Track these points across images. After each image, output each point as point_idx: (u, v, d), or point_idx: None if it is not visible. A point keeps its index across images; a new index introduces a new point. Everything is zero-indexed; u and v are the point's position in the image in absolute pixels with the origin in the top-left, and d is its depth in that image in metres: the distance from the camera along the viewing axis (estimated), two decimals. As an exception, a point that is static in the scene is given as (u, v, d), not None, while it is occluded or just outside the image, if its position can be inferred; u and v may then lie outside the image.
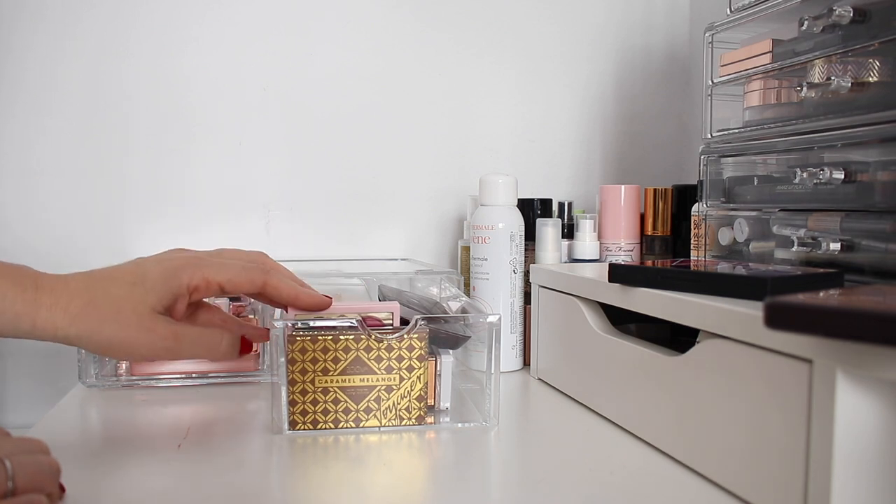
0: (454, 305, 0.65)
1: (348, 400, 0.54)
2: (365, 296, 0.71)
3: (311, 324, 0.53)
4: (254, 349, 0.53)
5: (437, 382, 0.58)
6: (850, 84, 0.50)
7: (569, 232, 0.83)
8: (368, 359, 0.54)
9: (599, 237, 0.81)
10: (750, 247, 0.60)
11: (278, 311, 0.59)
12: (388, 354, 0.54)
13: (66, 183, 0.85)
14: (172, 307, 0.49)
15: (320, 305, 0.53)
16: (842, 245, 0.51)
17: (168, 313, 0.48)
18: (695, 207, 0.68)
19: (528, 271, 0.75)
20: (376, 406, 0.55)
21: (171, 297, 0.48)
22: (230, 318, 0.56)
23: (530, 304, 0.73)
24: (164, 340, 0.47)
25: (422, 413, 0.56)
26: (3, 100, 0.82)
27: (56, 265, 0.83)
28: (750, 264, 0.56)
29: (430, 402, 0.57)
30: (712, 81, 0.65)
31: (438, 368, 0.57)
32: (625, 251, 0.80)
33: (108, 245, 0.86)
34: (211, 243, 0.87)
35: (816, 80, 0.53)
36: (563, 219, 0.84)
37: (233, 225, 0.89)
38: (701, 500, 0.43)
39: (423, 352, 0.55)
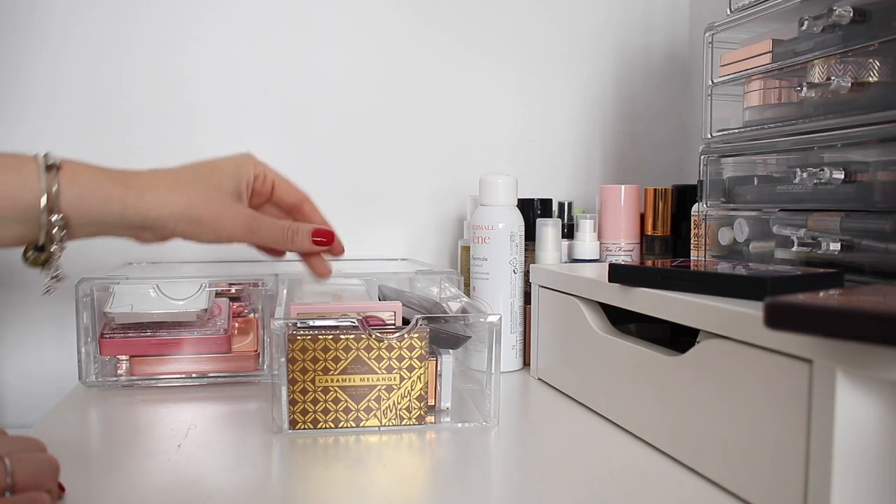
0: (454, 305, 0.65)
1: (349, 399, 0.54)
2: (365, 295, 0.71)
3: (312, 323, 0.53)
4: (332, 246, 0.54)
5: (438, 382, 0.58)
6: (850, 84, 0.50)
7: (569, 232, 0.83)
8: (369, 358, 0.54)
9: (599, 237, 0.81)
10: (750, 247, 0.60)
11: (278, 310, 0.59)
12: (388, 354, 0.55)
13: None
14: (241, 195, 0.52)
15: (336, 249, 0.55)
16: (842, 245, 0.51)
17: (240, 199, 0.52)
18: (695, 207, 0.68)
19: (528, 271, 0.75)
20: (376, 405, 0.55)
21: (243, 182, 0.52)
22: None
23: (530, 304, 0.73)
24: (247, 219, 0.50)
25: (422, 413, 0.56)
26: (6, 100, 0.82)
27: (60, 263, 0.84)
28: (750, 264, 0.56)
29: (431, 401, 0.58)
30: (712, 81, 0.65)
31: (439, 368, 0.57)
32: (625, 251, 0.80)
33: (108, 245, 0.86)
34: (211, 244, 0.88)
35: (816, 80, 0.53)
36: (563, 219, 0.84)
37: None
38: (701, 499, 0.43)
39: (423, 351, 0.55)
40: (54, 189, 0.42)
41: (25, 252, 0.44)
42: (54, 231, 0.43)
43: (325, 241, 0.54)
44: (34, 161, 0.43)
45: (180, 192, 0.48)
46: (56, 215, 0.43)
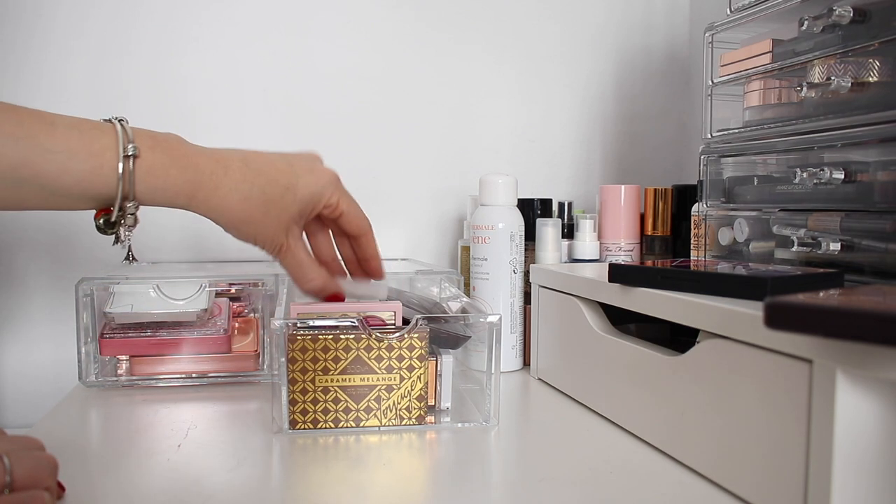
0: (454, 305, 0.65)
1: (349, 399, 0.54)
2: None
3: (312, 323, 0.53)
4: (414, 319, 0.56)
5: (438, 382, 0.58)
6: (850, 84, 0.50)
7: (569, 232, 0.83)
8: (369, 358, 0.54)
9: (599, 237, 0.81)
10: (750, 247, 0.60)
11: (278, 310, 0.59)
12: (388, 354, 0.55)
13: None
14: (301, 219, 0.54)
15: (379, 274, 0.60)
16: (842, 245, 0.51)
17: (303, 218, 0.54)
18: (695, 207, 0.68)
19: (528, 271, 0.75)
20: (377, 405, 0.55)
21: (310, 211, 0.53)
22: (337, 258, 0.60)
23: (530, 304, 0.73)
24: (281, 244, 0.53)
25: (422, 413, 0.56)
26: (10, 99, 0.82)
27: (58, 263, 0.84)
28: (750, 264, 0.56)
29: (431, 401, 0.58)
30: (712, 81, 0.65)
31: (439, 368, 0.57)
32: (625, 251, 0.80)
33: (109, 245, 0.86)
34: (210, 244, 0.88)
35: (816, 80, 0.53)
36: (563, 219, 0.84)
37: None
38: (701, 499, 0.43)
39: (423, 351, 0.55)
40: (129, 182, 0.44)
41: (97, 217, 0.47)
42: (126, 214, 0.46)
43: (338, 300, 0.57)
44: (114, 145, 0.44)
45: (244, 210, 0.49)
46: (130, 203, 0.45)
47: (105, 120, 0.46)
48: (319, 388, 0.54)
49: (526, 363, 0.76)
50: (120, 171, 0.43)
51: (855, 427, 0.36)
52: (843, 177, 0.50)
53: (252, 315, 0.72)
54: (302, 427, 0.54)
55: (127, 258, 0.50)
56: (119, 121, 0.45)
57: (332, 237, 0.60)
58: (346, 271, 0.61)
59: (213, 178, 0.48)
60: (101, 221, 0.46)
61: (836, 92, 0.51)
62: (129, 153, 0.44)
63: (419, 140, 0.94)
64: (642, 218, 0.81)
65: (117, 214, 0.45)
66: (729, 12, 0.63)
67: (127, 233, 0.47)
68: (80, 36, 0.84)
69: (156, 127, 0.86)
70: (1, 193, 0.42)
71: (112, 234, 0.47)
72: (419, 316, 0.55)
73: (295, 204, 0.52)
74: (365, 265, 0.60)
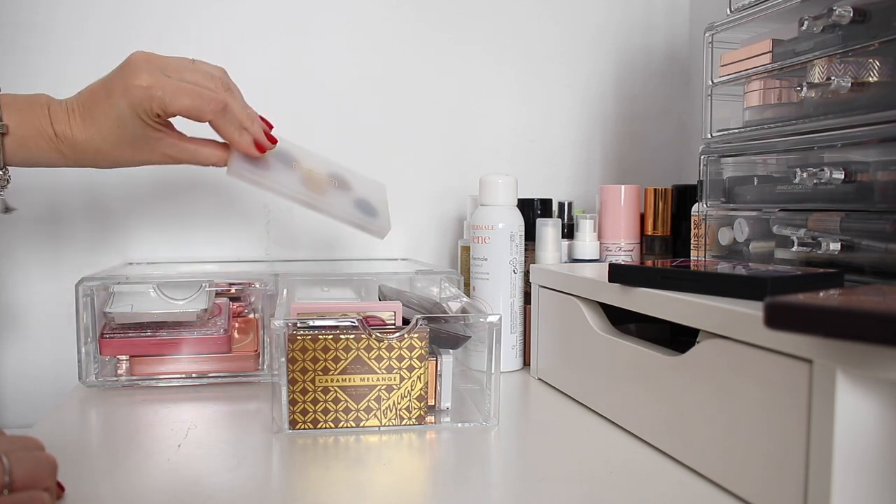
0: (454, 305, 0.65)
1: (349, 399, 0.54)
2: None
3: (312, 323, 0.53)
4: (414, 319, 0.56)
5: (438, 382, 0.58)
6: (850, 84, 0.50)
7: (569, 232, 0.83)
8: (369, 358, 0.54)
9: (599, 237, 0.81)
10: (750, 247, 0.60)
11: (278, 310, 0.59)
12: (388, 354, 0.55)
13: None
14: (145, 125, 0.57)
15: (249, 150, 0.61)
16: (842, 245, 0.51)
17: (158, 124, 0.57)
18: (695, 207, 0.68)
19: (528, 271, 0.75)
20: (376, 405, 0.55)
21: (145, 122, 0.56)
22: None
23: (530, 304, 0.73)
24: (164, 159, 0.59)
25: (422, 413, 0.56)
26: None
27: (58, 263, 0.84)
28: (750, 264, 0.56)
29: (431, 401, 0.58)
30: (712, 81, 0.65)
31: (439, 368, 0.57)
32: (625, 251, 0.80)
33: (110, 244, 0.86)
34: (211, 244, 0.88)
35: (816, 80, 0.53)
36: (563, 219, 0.84)
37: (233, 226, 0.89)
38: (700, 499, 0.43)
39: (423, 351, 0.55)
40: (2, 155, 0.54)
41: None
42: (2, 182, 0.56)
43: (261, 150, 0.61)
44: None
45: (102, 156, 0.57)
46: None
47: None
48: (319, 388, 0.54)
49: (526, 363, 0.76)
50: None
51: (855, 427, 0.36)
52: (843, 177, 0.50)
53: (252, 315, 0.72)
54: (302, 427, 0.54)
55: (6, 211, 0.56)
56: None
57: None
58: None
59: (68, 139, 0.55)
60: None
61: (836, 92, 0.51)
62: (1, 132, 0.53)
63: (419, 140, 0.94)
64: (642, 218, 0.81)
65: None
66: (729, 12, 0.63)
67: (1, 192, 0.56)
68: (80, 36, 0.84)
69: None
70: None
71: None
72: (419, 316, 0.55)
73: (131, 130, 0.56)
74: (237, 147, 0.61)
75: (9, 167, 0.55)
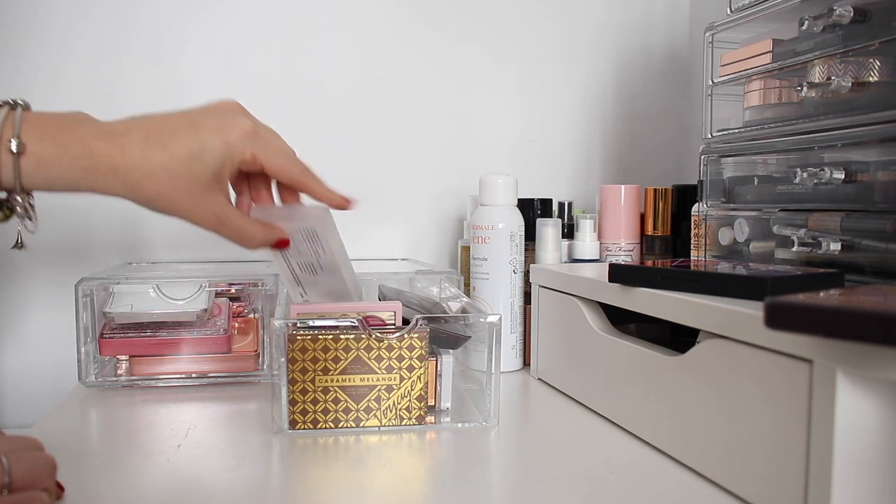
0: (454, 305, 0.65)
1: (348, 399, 0.54)
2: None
3: (312, 323, 0.53)
4: (414, 319, 0.55)
5: (438, 382, 0.58)
6: (850, 84, 0.50)
7: (569, 232, 0.83)
8: (369, 358, 0.54)
9: (599, 237, 0.81)
10: (750, 247, 0.60)
11: (278, 310, 0.59)
12: (388, 354, 0.54)
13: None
14: (221, 180, 0.51)
15: (341, 205, 0.55)
16: (842, 245, 0.51)
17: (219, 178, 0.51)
18: (695, 207, 0.68)
19: (528, 271, 0.75)
20: (376, 406, 0.55)
21: (225, 171, 0.50)
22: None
23: (530, 304, 0.73)
24: (216, 216, 0.50)
25: (422, 413, 0.56)
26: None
27: (58, 263, 0.84)
28: (750, 264, 0.56)
29: (431, 401, 0.57)
30: (712, 81, 0.65)
31: (439, 368, 0.57)
32: (625, 251, 0.79)
33: (110, 244, 0.86)
34: (210, 244, 0.88)
35: (816, 80, 0.53)
36: (563, 219, 0.84)
37: (233, 225, 0.89)
38: (700, 499, 0.43)
39: (423, 351, 0.55)
40: (14, 176, 0.43)
41: None
42: (15, 206, 0.45)
43: (284, 246, 0.55)
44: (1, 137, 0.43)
45: (151, 186, 0.47)
46: (18, 196, 0.44)
47: (3, 102, 0.45)
48: (319, 388, 0.54)
49: (526, 363, 0.76)
50: (9, 170, 0.43)
51: (855, 427, 0.36)
52: (843, 177, 0.50)
53: (252, 315, 0.72)
54: (302, 427, 0.54)
55: (16, 245, 0.49)
56: (16, 104, 0.44)
57: (271, 189, 0.57)
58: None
59: (109, 160, 0.46)
60: None
61: (837, 92, 0.51)
62: (14, 150, 0.43)
63: (419, 140, 0.94)
64: (642, 218, 0.81)
65: (4, 204, 0.45)
66: (729, 12, 0.63)
67: (20, 222, 0.46)
68: (79, 36, 0.84)
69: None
70: None
71: (5, 220, 0.46)
72: (419, 316, 0.55)
73: (206, 171, 0.48)
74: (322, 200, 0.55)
75: (31, 192, 0.46)
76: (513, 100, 0.96)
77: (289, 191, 0.55)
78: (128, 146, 0.47)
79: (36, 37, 0.83)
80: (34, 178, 0.44)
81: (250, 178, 0.55)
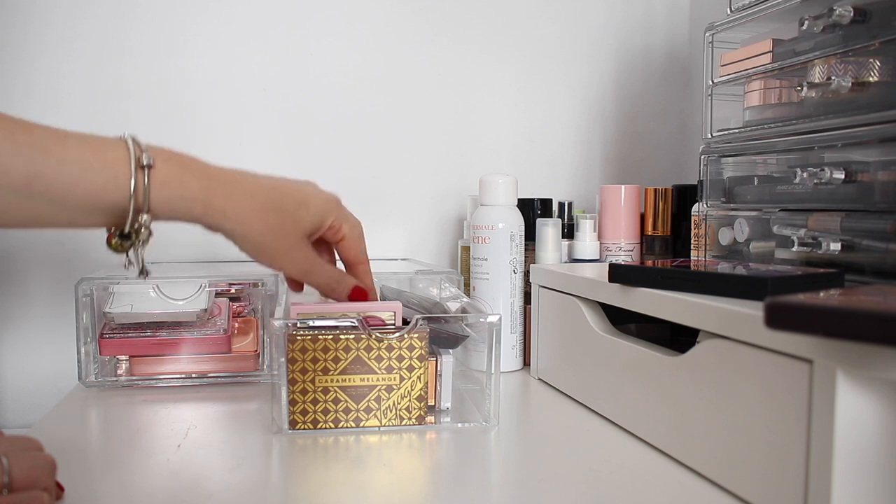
0: (454, 305, 0.65)
1: (348, 399, 0.54)
2: None
3: (312, 323, 0.53)
4: (368, 298, 0.57)
5: (438, 382, 0.58)
6: (850, 84, 0.50)
7: (569, 232, 0.83)
8: (369, 358, 0.54)
9: (599, 237, 0.81)
10: (750, 247, 0.60)
11: (278, 310, 0.59)
12: (388, 354, 0.54)
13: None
14: (311, 236, 0.53)
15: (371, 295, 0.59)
16: (842, 245, 0.51)
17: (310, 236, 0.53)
18: (695, 207, 0.68)
19: (528, 271, 0.75)
20: (376, 406, 0.55)
21: (319, 228, 0.53)
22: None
23: (530, 304, 0.73)
24: (307, 264, 0.52)
25: (422, 413, 0.56)
26: (8, 98, 0.82)
27: (58, 263, 0.84)
28: (750, 264, 0.56)
29: (431, 402, 0.57)
30: (712, 81, 0.64)
31: (439, 368, 0.57)
32: (625, 251, 0.79)
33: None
34: (210, 245, 0.88)
35: (817, 80, 0.53)
36: (563, 219, 0.84)
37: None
38: (700, 499, 0.43)
39: (423, 351, 0.55)
40: (144, 192, 0.43)
41: (109, 239, 0.45)
42: (141, 228, 0.44)
43: (359, 299, 0.57)
44: (126, 157, 0.42)
45: (261, 218, 0.48)
46: (144, 215, 0.43)
47: (116, 137, 0.44)
48: (319, 389, 0.54)
49: (526, 363, 0.76)
50: (134, 181, 0.42)
51: (855, 427, 0.36)
52: (843, 177, 0.50)
53: (252, 315, 0.72)
54: (302, 427, 0.54)
55: (141, 273, 0.48)
56: (131, 137, 0.44)
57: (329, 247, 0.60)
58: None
59: (227, 186, 0.47)
60: (116, 236, 0.44)
61: (837, 92, 0.51)
62: (144, 163, 0.42)
63: (419, 140, 0.94)
64: (642, 218, 0.81)
65: (130, 227, 0.43)
66: (729, 12, 0.63)
67: (141, 249, 0.45)
68: (79, 36, 0.84)
69: (156, 126, 0.87)
70: (13, 208, 0.40)
71: (127, 249, 0.45)
72: (419, 316, 0.55)
73: (308, 219, 0.51)
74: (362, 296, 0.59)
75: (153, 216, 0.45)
76: (513, 100, 0.96)
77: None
78: (243, 180, 0.48)
79: (35, 38, 0.83)
80: (156, 196, 0.44)
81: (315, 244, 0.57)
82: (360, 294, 0.57)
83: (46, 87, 0.83)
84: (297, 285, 0.59)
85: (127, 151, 0.43)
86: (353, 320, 0.54)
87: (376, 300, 0.59)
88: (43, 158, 0.40)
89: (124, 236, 0.44)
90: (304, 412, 0.54)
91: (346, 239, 0.56)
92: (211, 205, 0.46)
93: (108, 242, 0.45)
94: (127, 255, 0.46)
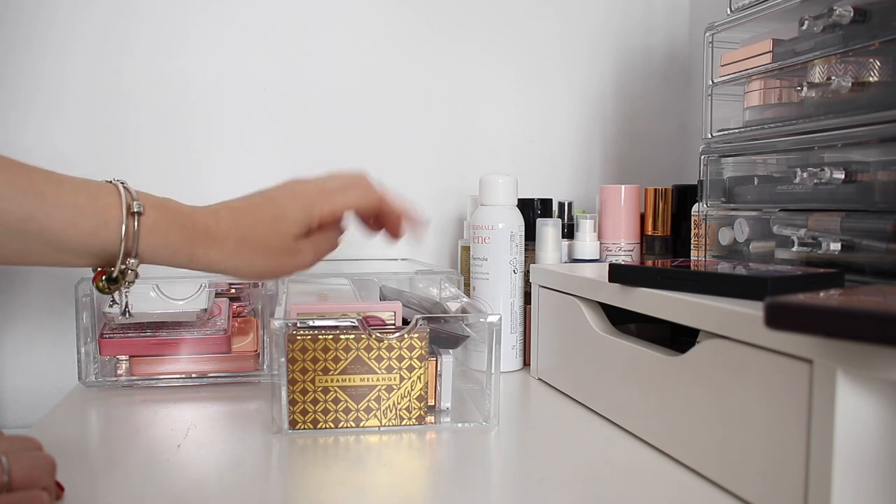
0: (454, 305, 0.65)
1: (348, 399, 0.54)
2: (352, 296, 0.71)
3: (312, 323, 0.53)
4: (414, 319, 0.56)
5: (438, 382, 0.58)
6: (850, 84, 0.50)
7: (569, 232, 0.83)
8: (369, 358, 0.54)
9: (599, 237, 0.81)
10: (750, 247, 0.60)
11: (278, 310, 0.59)
12: (388, 354, 0.54)
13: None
14: (301, 234, 0.54)
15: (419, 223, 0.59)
16: (842, 245, 0.51)
17: (305, 234, 0.54)
18: (695, 207, 0.68)
19: (528, 271, 0.75)
20: (376, 406, 0.55)
21: (308, 225, 0.53)
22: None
23: (530, 304, 0.73)
24: (307, 260, 0.53)
25: (422, 413, 0.56)
26: (12, 98, 0.82)
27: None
28: (750, 264, 0.56)
29: (431, 401, 0.57)
30: (712, 81, 0.65)
31: (439, 368, 0.57)
32: (625, 251, 0.79)
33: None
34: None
35: (817, 80, 0.53)
36: (563, 219, 0.84)
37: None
38: (701, 499, 0.43)
39: (423, 351, 0.55)
40: (133, 238, 0.44)
41: (96, 280, 0.46)
42: (128, 270, 0.45)
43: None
44: (118, 203, 0.44)
45: (244, 252, 0.50)
46: (132, 259, 0.45)
47: (107, 181, 0.46)
48: (319, 389, 0.54)
49: (526, 363, 0.76)
50: (124, 228, 0.44)
51: (855, 427, 0.36)
52: (843, 177, 0.50)
53: (252, 315, 0.72)
54: (302, 427, 0.54)
55: (123, 314, 0.50)
56: (121, 183, 0.46)
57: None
58: None
59: (207, 231, 0.48)
60: (103, 280, 0.46)
61: (837, 92, 0.51)
62: (135, 210, 0.44)
63: (419, 140, 0.94)
64: (642, 218, 0.81)
65: (119, 271, 0.45)
66: (729, 12, 0.63)
67: (126, 289, 0.47)
68: (79, 37, 0.84)
69: (156, 125, 0.87)
70: (8, 247, 0.42)
71: (113, 291, 0.47)
72: (419, 316, 0.55)
73: (292, 226, 0.52)
74: (399, 224, 0.57)
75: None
76: (513, 100, 0.96)
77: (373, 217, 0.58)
78: (221, 218, 0.50)
79: (38, 39, 0.83)
80: (144, 242, 0.45)
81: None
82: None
83: (49, 88, 0.83)
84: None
85: (119, 198, 0.44)
86: (354, 320, 0.54)
87: (414, 221, 0.58)
88: (38, 202, 0.41)
89: (111, 280, 0.46)
90: (304, 412, 0.54)
91: (350, 212, 0.55)
92: (194, 255, 0.48)
93: (95, 284, 0.47)
94: (112, 296, 0.48)
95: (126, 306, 0.48)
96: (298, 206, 0.53)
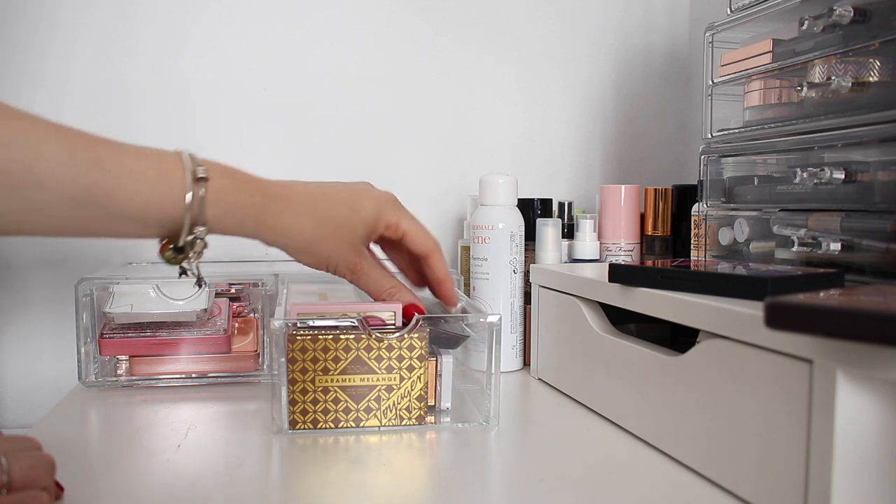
0: (454, 305, 0.65)
1: (348, 399, 0.54)
2: (353, 294, 0.71)
3: (312, 323, 0.53)
4: (414, 318, 0.55)
5: (438, 382, 0.58)
6: (850, 84, 0.50)
7: (569, 232, 0.83)
8: (369, 358, 0.54)
9: (599, 237, 0.81)
10: (750, 247, 0.60)
11: (278, 310, 0.59)
12: (388, 354, 0.54)
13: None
14: (367, 240, 0.54)
15: (451, 302, 0.60)
16: (842, 245, 0.51)
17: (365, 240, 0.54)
18: (695, 207, 0.68)
19: (528, 271, 0.74)
20: (376, 406, 0.55)
21: (374, 231, 0.53)
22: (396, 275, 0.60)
23: (530, 304, 0.73)
24: (356, 266, 0.54)
25: (422, 413, 0.56)
26: (15, 97, 0.82)
27: (58, 263, 0.84)
28: (750, 264, 0.56)
29: (431, 401, 0.57)
30: (712, 81, 0.64)
31: (439, 368, 0.57)
32: (625, 251, 0.79)
33: (110, 244, 0.86)
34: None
35: (817, 80, 0.53)
36: (563, 219, 0.84)
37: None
38: (700, 499, 0.43)
39: (423, 351, 0.55)
40: (200, 205, 0.43)
41: (163, 250, 0.45)
42: (196, 240, 0.44)
43: (410, 315, 0.56)
44: (181, 169, 0.43)
45: (314, 230, 0.49)
46: (200, 227, 0.44)
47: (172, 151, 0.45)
48: (319, 389, 0.54)
49: (526, 363, 0.76)
50: (190, 194, 0.43)
51: (855, 427, 0.36)
52: (843, 177, 0.50)
53: (252, 315, 0.72)
54: (302, 427, 0.54)
55: (198, 284, 0.48)
56: (187, 151, 0.45)
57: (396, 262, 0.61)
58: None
59: (278, 201, 0.48)
60: (171, 249, 0.45)
61: (837, 92, 0.51)
62: (200, 175, 0.43)
63: (419, 140, 0.94)
64: (642, 218, 0.81)
65: (185, 240, 0.44)
66: (729, 12, 0.63)
67: (196, 260, 0.46)
68: (80, 37, 0.84)
69: (157, 125, 0.87)
70: (70, 218, 0.41)
71: (181, 261, 0.45)
72: (419, 316, 0.55)
73: (360, 224, 0.52)
74: (436, 289, 0.59)
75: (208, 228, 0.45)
76: (513, 100, 0.96)
77: (412, 268, 0.60)
78: (293, 192, 0.49)
79: (40, 39, 0.83)
80: (211, 210, 0.44)
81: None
82: (410, 313, 0.56)
83: (50, 88, 0.83)
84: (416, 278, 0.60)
85: (182, 165, 0.43)
86: (353, 320, 0.54)
87: (447, 299, 0.59)
88: (101, 170, 0.40)
89: (178, 249, 0.45)
90: (304, 412, 0.54)
91: (406, 235, 0.56)
92: (264, 223, 0.47)
93: (162, 254, 0.45)
94: (181, 266, 0.46)
95: (199, 276, 0.47)
96: (372, 205, 0.53)
